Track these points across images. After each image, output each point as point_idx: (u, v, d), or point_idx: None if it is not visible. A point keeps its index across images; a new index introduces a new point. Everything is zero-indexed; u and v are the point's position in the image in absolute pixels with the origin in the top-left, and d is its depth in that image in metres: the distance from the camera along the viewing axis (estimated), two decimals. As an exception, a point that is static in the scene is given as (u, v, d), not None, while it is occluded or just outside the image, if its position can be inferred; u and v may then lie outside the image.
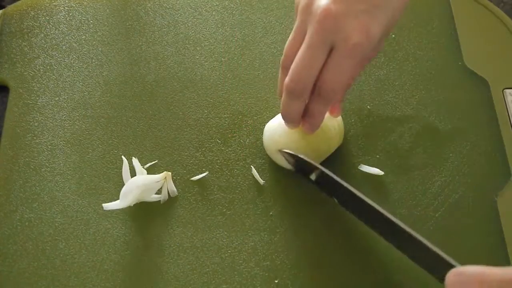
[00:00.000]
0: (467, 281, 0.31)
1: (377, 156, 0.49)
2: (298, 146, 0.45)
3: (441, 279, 0.35)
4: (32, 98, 0.53)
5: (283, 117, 0.42)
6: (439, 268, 0.36)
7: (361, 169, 0.48)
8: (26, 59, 0.55)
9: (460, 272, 0.32)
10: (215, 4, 0.58)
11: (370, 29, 0.36)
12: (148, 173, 0.48)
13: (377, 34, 0.36)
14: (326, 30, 0.36)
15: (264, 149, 0.49)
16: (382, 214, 0.39)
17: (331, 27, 0.36)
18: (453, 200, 0.47)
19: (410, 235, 0.38)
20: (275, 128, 0.46)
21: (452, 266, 0.34)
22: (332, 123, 0.46)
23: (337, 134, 0.47)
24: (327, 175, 0.43)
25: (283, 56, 0.41)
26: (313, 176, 0.45)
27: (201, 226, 0.46)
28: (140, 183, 0.46)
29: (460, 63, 0.53)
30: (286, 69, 0.39)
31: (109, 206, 0.45)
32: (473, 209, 0.46)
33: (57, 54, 0.55)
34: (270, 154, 0.48)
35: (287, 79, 0.38)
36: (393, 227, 0.39)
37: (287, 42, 0.40)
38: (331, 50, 0.37)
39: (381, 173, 0.47)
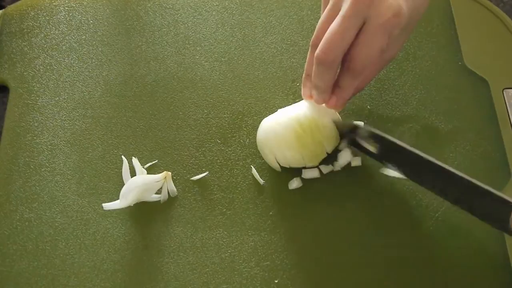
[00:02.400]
0: None
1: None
2: (290, 146, 0.45)
3: (504, 225, 0.36)
4: (32, 98, 0.53)
5: (315, 88, 0.43)
6: (503, 212, 0.37)
7: (383, 172, 0.48)
8: (26, 59, 0.55)
9: None
10: (215, 4, 0.58)
11: (402, 8, 0.38)
12: (148, 173, 0.48)
13: (407, 15, 0.38)
14: (361, 3, 0.38)
15: (264, 149, 0.49)
16: (443, 168, 0.40)
17: (366, 1, 0.37)
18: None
19: (473, 184, 0.38)
20: (269, 127, 0.46)
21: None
22: (327, 123, 0.46)
23: (333, 134, 0.46)
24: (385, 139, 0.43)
25: (314, 35, 0.42)
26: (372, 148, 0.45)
27: (201, 226, 0.46)
28: (140, 183, 0.46)
29: (460, 63, 0.53)
30: (315, 47, 0.40)
31: (109, 206, 0.46)
32: (473, 209, 0.46)
33: (57, 54, 0.55)
34: (263, 154, 0.47)
35: (318, 50, 0.39)
36: (453, 180, 0.40)
37: (319, 23, 0.41)
38: (363, 26, 0.38)
39: (403, 177, 0.47)
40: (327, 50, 0.39)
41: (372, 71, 0.45)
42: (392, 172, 0.47)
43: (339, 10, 0.39)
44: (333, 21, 0.39)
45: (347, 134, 0.46)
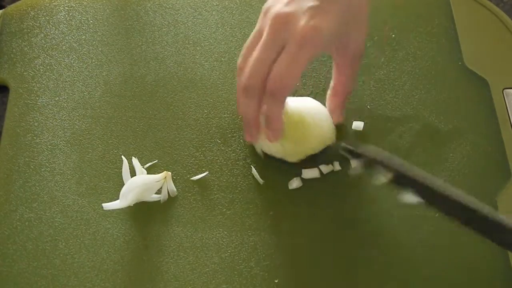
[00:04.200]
0: None
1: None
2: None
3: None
4: (32, 98, 0.53)
5: (243, 119, 0.44)
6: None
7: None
8: (26, 59, 0.55)
9: None
10: (215, 4, 0.58)
11: (318, 21, 0.38)
12: (148, 173, 0.48)
13: (327, 25, 0.39)
14: (276, 30, 0.39)
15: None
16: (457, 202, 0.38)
17: (281, 26, 0.39)
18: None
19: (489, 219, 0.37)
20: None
21: None
22: (314, 122, 0.46)
23: (318, 135, 0.47)
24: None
25: (239, 60, 0.43)
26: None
27: (201, 225, 0.46)
28: (140, 183, 0.46)
29: (460, 63, 0.53)
30: (241, 71, 0.42)
31: (109, 206, 0.46)
32: (473, 209, 0.46)
33: (57, 54, 0.55)
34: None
35: (242, 77, 0.41)
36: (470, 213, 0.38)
37: (244, 47, 0.42)
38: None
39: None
40: (249, 77, 0.40)
41: (342, 73, 0.45)
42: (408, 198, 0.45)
43: (262, 34, 0.40)
44: (256, 45, 0.40)
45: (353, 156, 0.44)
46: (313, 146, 0.47)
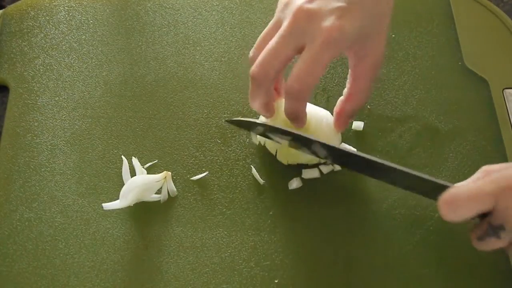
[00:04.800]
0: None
1: (377, 156, 0.49)
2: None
3: (434, 199, 0.38)
4: (32, 98, 0.53)
5: (251, 106, 0.43)
6: (433, 192, 0.38)
7: None
8: (26, 59, 0.55)
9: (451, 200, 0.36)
10: (215, 4, 0.58)
11: (344, 22, 0.37)
12: (148, 173, 0.48)
13: (352, 28, 0.38)
14: (298, 24, 0.38)
15: (264, 148, 0.49)
16: (373, 161, 0.41)
17: (303, 21, 0.38)
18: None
19: (404, 172, 0.40)
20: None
21: (445, 187, 0.37)
22: (319, 131, 0.46)
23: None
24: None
25: (252, 49, 0.42)
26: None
27: (201, 225, 0.46)
28: (140, 183, 0.46)
29: (460, 63, 0.53)
30: (253, 61, 0.41)
31: (109, 206, 0.46)
32: (473, 209, 0.46)
33: (57, 54, 0.55)
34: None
35: (253, 66, 0.40)
36: (389, 170, 0.41)
37: (259, 37, 0.42)
38: (302, 50, 0.38)
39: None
40: (260, 67, 0.39)
41: (360, 82, 0.43)
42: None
43: (280, 26, 0.39)
44: (272, 36, 0.40)
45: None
46: (308, 158, 0.46)
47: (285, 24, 0.39)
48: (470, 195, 0.35)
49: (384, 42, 0.42)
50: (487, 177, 0.36)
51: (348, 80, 0.44)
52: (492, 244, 0.37)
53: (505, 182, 0.35)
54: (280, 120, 0.44)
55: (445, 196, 0.36)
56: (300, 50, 0.39)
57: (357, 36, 0.39)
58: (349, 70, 0.44)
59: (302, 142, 0.43)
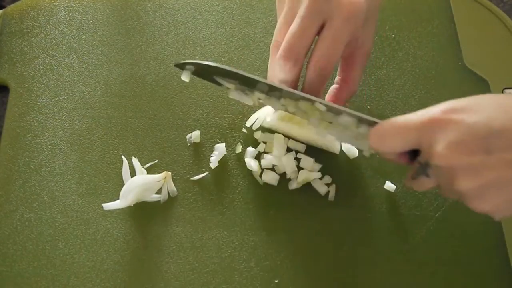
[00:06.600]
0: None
1: (377, 156, 0.49)
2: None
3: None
4: (32, 98, 0.53)
5: (283, 83, 0.42)
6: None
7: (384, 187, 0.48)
8: (26, 59, 0.55)
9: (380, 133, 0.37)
10: (215, 4, 0.58)
11: (360, 1, 0.38)
12: (148, 173, 0.48)
13: (365, 4, 0.39)
14: (317, 3, 0.38)
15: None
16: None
17: (322, 1, 0.38)
18: (453, 200, 0.47)
19: (348, 113, 0.40)
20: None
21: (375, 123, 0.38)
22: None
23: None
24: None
25: (273, 39, 0.42)
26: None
27: (201, 225, 0.46)
28: (140, 183, 0.46)
29: (460, 63, 0.53)
30: (276, 50, 0.41)
31: (109, 206, 0.46)
32: (473, 209, 0.46)
33: (57, 54, 0.55)
34: None
35: (280, 50, 0.40)
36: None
37: (277, 27, 0.42)
38: (322, 26, 0.39)
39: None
40: (288, 51, 0.40)
41: (356, 69, 0.44)
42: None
43: (295, 14, 0.40)
44: (291, 23, 0.40)
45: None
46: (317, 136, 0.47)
47: (303, 6, 0.39)
48: (396, 129, 0.36)
49: (374, 27, 0.43)
50: (420, 112, 0.36)
51: (340, 69, 0.45)
52: (424, 184, 0.37)
53: (428, 118, 0.35)
54: (293, 125, 0.47)
55: (375, 128, 0.37)
56: (319, 30, 0.39)
57: (366, 16, 0.40)
58: (341, 58, 0.44)
59: (247, 83, 0.43)
